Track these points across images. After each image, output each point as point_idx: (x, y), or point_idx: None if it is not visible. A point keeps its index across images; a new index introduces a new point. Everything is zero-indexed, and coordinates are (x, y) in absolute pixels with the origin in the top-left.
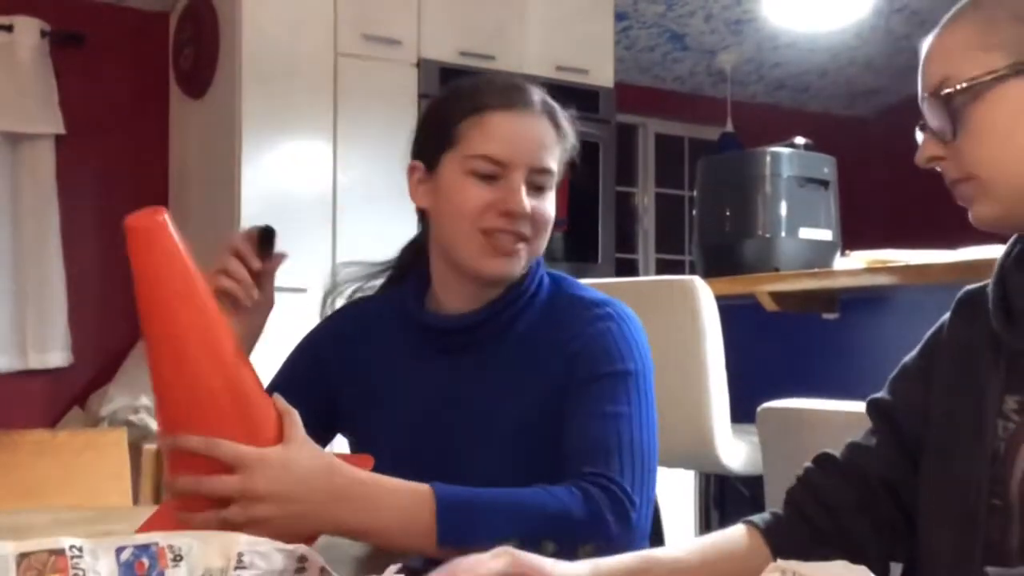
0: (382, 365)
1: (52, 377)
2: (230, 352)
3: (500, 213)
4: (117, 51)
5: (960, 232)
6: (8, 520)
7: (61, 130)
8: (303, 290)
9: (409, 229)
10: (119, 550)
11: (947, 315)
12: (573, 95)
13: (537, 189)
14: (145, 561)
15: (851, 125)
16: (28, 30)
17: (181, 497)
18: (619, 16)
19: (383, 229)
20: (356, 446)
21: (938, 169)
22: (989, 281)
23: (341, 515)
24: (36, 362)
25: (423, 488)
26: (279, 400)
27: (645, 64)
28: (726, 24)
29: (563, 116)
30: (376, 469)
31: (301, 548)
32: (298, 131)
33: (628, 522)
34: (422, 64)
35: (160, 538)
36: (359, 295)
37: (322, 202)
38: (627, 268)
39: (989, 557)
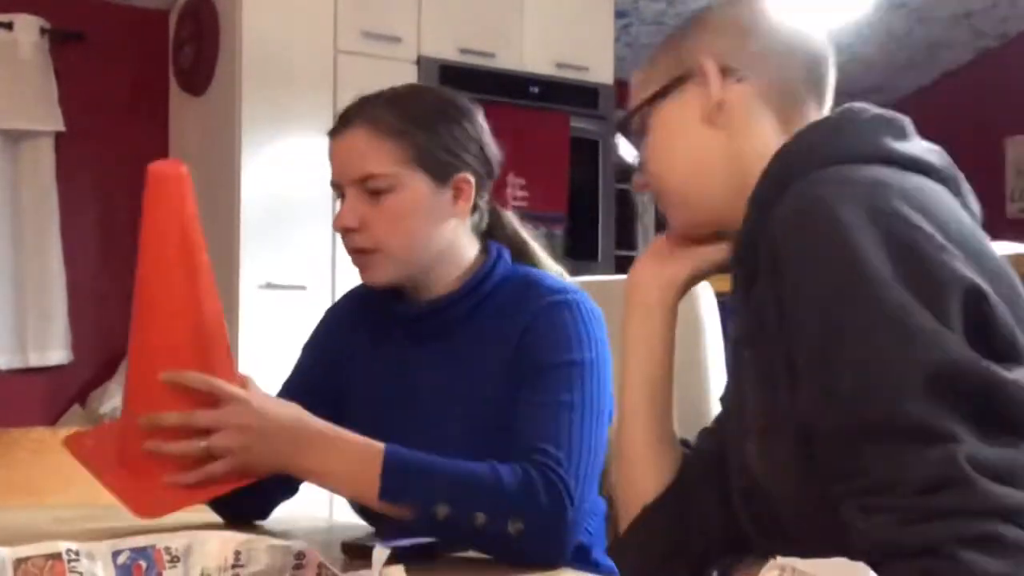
0: (364, 351)
1: (52, 375)
2: (209, 308)
3: None
4: (117, 49)
5: None
6: (8, 518)
7: (61, 128)
8: (303, 287)
9: None
10: (116, 553)
11: None
12: (573, 92)
13: (374, 194)
14: (142, 563)
15: None
16: (28, 28)
17: (153, 431)
18: (619, 13)
19: None
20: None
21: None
22: None
23: (302, 455)
24: (36, 360)
25: (377, 445)
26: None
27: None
28: None
29: (402, 114)
30: None
31: (298, 545)
32: (298, 128)
33: (561, 511)
34: (422, 62)
35: (157, 540)
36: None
37: (322, 200)
38: (627, 266)
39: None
